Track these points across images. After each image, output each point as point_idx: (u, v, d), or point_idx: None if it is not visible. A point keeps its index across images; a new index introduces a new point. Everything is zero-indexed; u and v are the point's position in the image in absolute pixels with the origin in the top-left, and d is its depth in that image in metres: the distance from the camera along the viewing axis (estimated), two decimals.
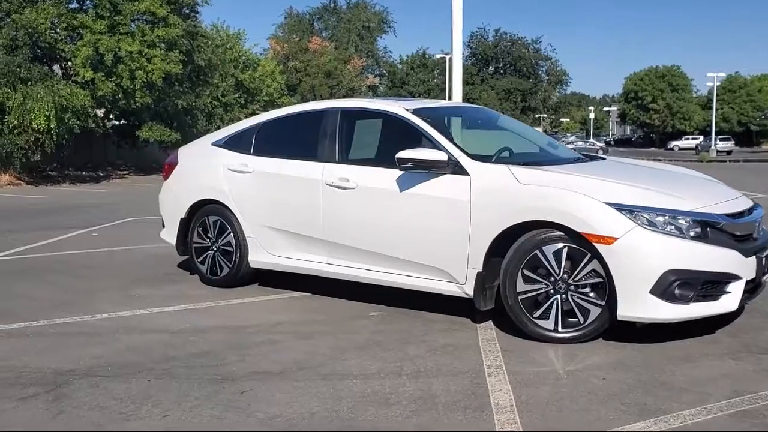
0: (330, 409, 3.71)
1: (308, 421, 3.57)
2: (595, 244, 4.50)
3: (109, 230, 10.87)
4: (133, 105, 25.91)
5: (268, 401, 3.84)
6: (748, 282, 4.66)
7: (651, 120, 79.23)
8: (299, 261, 6.08)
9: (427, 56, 72.10)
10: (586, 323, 4.66)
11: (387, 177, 5.44)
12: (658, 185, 4.90)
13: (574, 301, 4.67)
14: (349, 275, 5.77)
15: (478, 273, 4.96)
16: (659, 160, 27.15)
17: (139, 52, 24.76)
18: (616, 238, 4.44)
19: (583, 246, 4.58)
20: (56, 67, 26.27)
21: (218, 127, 39.93)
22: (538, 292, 4.73)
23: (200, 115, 34.23)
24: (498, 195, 4.88)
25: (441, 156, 5.11)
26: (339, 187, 5.69)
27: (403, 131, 5.67)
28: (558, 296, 4.69)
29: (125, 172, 28.62)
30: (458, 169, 5.11)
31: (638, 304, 4.44)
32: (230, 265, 6.47)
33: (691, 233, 4.53)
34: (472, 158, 5.15)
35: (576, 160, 5.72)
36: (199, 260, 6.70)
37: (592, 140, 75.86)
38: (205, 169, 6.68)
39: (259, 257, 6.33)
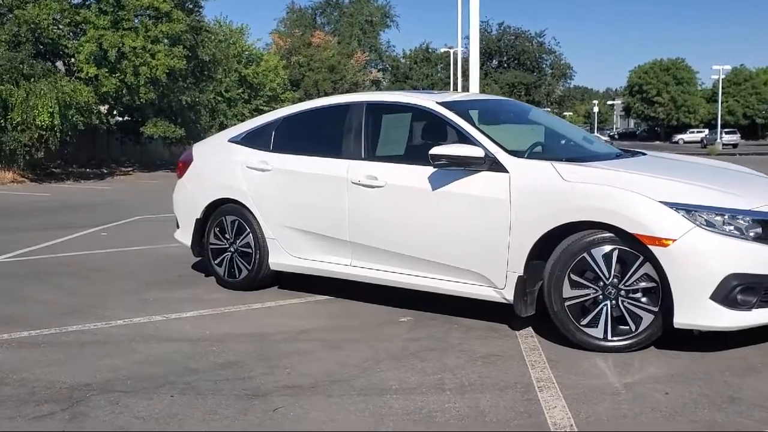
0: (372, 429, 3.40)
1: None
2: (649, 247, 4.18)
3: (118, 229, 10.56)
4: (137, 101, 25.59)
5: (302, 420, 3.53)
6: None
7: (656, 113, 78.77)
8: (323, 263, 5.76)
9: (430, 50, 71.70)
10: (638, 331, 4.35)
11: (418, 175, 5.12)
12: (711, 182, 4.58)
13: (624, 307, 4.35)
14: (377, 278, 5.46)
15: (519, 277, 4.64)
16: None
17: (142, 47, 24.43)
18: (673, 240, 4.12)
19: (635, 248, 4.27)
20: (59, 64, 25.94)
21: (221, 123, 39.86)
22: (585, 297, 4.42)
23: (204, 110, 33.92)
24: (541, 194, 4.56)
25: (477, 152, 4.79)
26: (366, 186, 5.38)
27: (434, 126, 5.35)
28: (608, 302, 4.37)
29: (129, 169, 28.32)
30: (496, 166, 4.80)
31: (697, 311, 4.13)
32: (249, 268, 6.17)
33: (752, 234, 4.21)
34: (511, 154, 4.83)
35: (618, 156, 5.39)
36: (216, 262, 6.39)
37: (596, 134, 75.39)
38: (221, 167, 6.37)
39: (279, 259, 6.02)
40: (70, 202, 15.20)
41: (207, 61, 29.08)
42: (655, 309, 4.29)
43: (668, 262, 4.14)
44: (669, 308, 4.20)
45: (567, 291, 4.43)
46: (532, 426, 3.40)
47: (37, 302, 6.01)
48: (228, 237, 6.28)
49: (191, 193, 6.58)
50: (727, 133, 61.48)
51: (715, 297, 4.09)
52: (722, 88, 65.58)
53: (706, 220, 4.17)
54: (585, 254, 4.37)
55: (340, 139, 5.70)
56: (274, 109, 43.45)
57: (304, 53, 54.04)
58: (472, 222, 4.84)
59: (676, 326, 4.21)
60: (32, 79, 21.82)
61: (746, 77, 76.72)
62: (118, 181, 23.22)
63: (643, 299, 4.33)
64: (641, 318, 4.33)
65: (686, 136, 71.54)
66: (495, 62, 75.80)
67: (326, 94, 51.91)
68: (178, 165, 6.86)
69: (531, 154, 5.06)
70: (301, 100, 50.12)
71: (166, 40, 25.65)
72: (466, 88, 48.53)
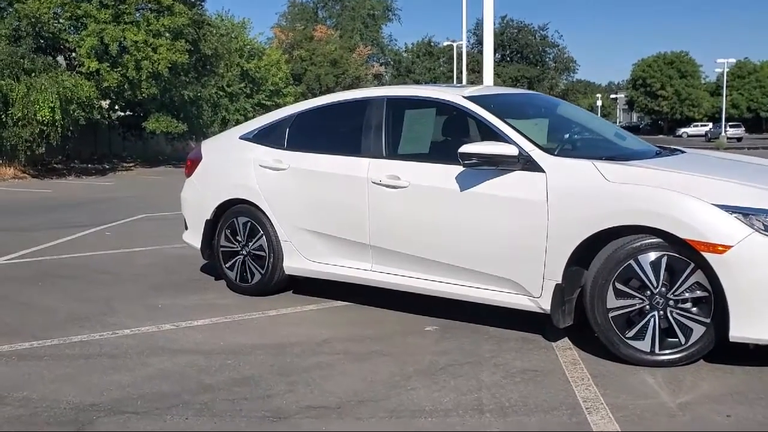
0: None
1: None
2: (702, 253, 3.86)
3: (123, 228, 10.24)
4: (139, 96, 25.22)
5: None
6: None
7: (659, 107, 78.27)
8: (341, 268, 5.44)
9: (432, 44, 71.28)
10: (688, 344, 4.03)
11: (445, 174, 4.80)
12: (764, 182, 4.24)
13: (673, 318, 4.03)
14: (399, 284, 5.14)
15: (557, 285, 4.32)
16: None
17: (144, 41, 24.04)
18: (729, 246, 3.79)
19: (685, 255, 3.94)
20: (60, 58, 25.56)
21: (223, 118, 39.55)
22: (631, 308, 4.09)
23: (206, 105, 33.56)
24: (582, 195, 4.23)
25: (510, 150, 4.46)
26: (388, 186, 5.05)
27: (461, 122, 5.03)
28: (655, 313, 4.05)
29: (131, 164, 27.98)
30: (530, 165, 4.47)
31: (757, 324, 3.80)
32: (262, 272, 5.85)
33: None
34: (548, 152, 4.50)
35: (657, 154, 5.05)
36: (227, 266, 6.07)
37: None
38: (233, 165, 6.04)
39: (295, 263, 5.70)
40: (72, 199, 14.87)
41: (209, 55, 28.71)
42: (707, 320, 3.97)
43: (723, 271, 3.81)
44: (723, 320, 3.88)
45: (611, 301, 4.10)
46: None
47: (40, 309, 5.70)
48: (240, 239, 5.96)
49: (201, 193, 6.25)
50: (731, 126, 61.08)
51: None
52: (726, 81, 65.11)
53: (764, 225, 3.84)
54: (632, 261, 4.04)
55: (360, 137, 5.38)
56: (276, 103, 43.31)
57: (306, 47, 53.62)
58: (505, 225, 4.51)
59: (732, 339, 3.88)
60: (33, 74, 21.46)
61: (750, 70, 76.22)
62: (120, 177, 22.87)
63: (694, 310, 4.00)
64: (691, 330, 4.01)
65: (690, 130, 71.06)
66: (498, 56, 75.24)
67: (328, 89, 51.51)
68: (187, 163, 6.53)
69: (561, 151, 4.72)
70: (303, 94, 49.84)
71: (167, 34, 25.28)
72: (471, 82, 48.17)
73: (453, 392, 3.80)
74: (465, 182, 4.67)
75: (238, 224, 5.95)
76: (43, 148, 22.58)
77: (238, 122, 41.20)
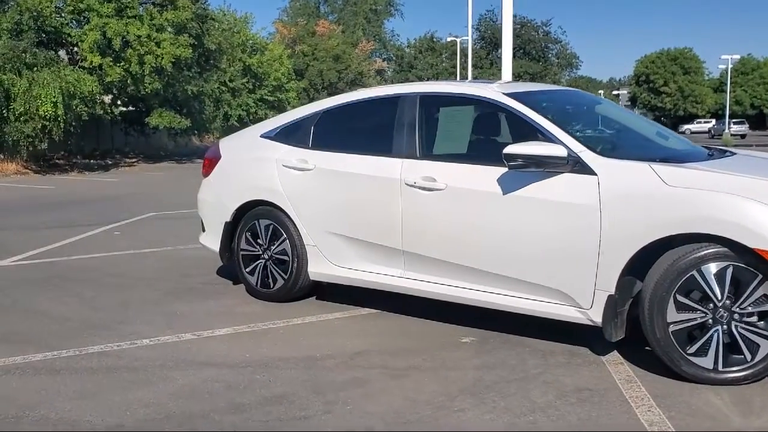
0: None
1: None
2: None
3: (131, 228, 9.94)
4: (142, 91, 24.92)
5: None
6: None
7: (662, 103, 77.88)
8: (370, 274, 5.16)
9: (434, 40, 70.89)
10: (754, 361, 3.75)
11: (485, 176, 4.51)
12: None
13: (739, 333, 3.75)
14: (433, 293, 4.86)
15: (610, 296, 4.04)
16: None
17: (147, 36, 23.73)
18: None
19: (753, 265, 3.66)
20: (62, 53, 25.23)
21: (225, 113, 39.23)
22: (693, 322, 3.81)
23: (208, 101, 33.25)
24: (640, 200, 3.94)
25: (559, 151, 4.17)
26: (423, 188, 4.77)
27: (502, 120, 4.74)
28: (719, 327, 3.77)
29: (134, 160, 27.66)
30: (580, 167, 4.18)
31: None
32: (285, 277, 5.57)
33: None
34: (598, 153, 4.22)
35: (710, 155, 4.76)
36: (247, 270, 5.79)
37: None
38: (254, 165, 5.75)
39: (320, 268, 5.42)
40: (76, 196, 14.57)
41: (213, 50, 28.40)
42: None
43: None
44: None
45: (672, 314, 3.82)
46: None
47: (53, 316, 5.42)
48: (261, 243, 5.68)
49: (219, 194, 5.96)
50: (735, 123, 60.70)
51: None
52: (730, 78, 64.77)
53: None
54: (695, 272, 3.76)
55: (391, 136, 5.09)
56: (278, 99, 42.96)
57: (309, 43, 53.24)
58: (553, 232, 4.23)
59: None
60: (35, 69, 21.13)
61: (754, 67, 75.82)
62: (123, 173, 22.56)
63: (761, 324, 3.73)
64: (758, 346, 3.73)
65: (693, 126, 70.67)
66: (500, 52, 74.91)
67: (331, 84, 51.18)
68: (204, 162, 6.24)
69: (611, 152, 4.42)
70: (305, 89, 49.50)
71: (170, 29, 24.97)
72: (474, 77, 47.80)
73: (505, 414, 3.52)
74: (508, 185, 4.38)
75: (259, 227, 5.66)
76: (46, 144, 22.26)
77: (240, 118, 40.99)
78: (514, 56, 73.91)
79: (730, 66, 63.55)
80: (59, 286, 6.36)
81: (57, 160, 24.78)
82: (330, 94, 51.17)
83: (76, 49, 24.68)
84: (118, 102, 27.66)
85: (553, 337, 4.63)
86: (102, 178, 20.31)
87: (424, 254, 4.83)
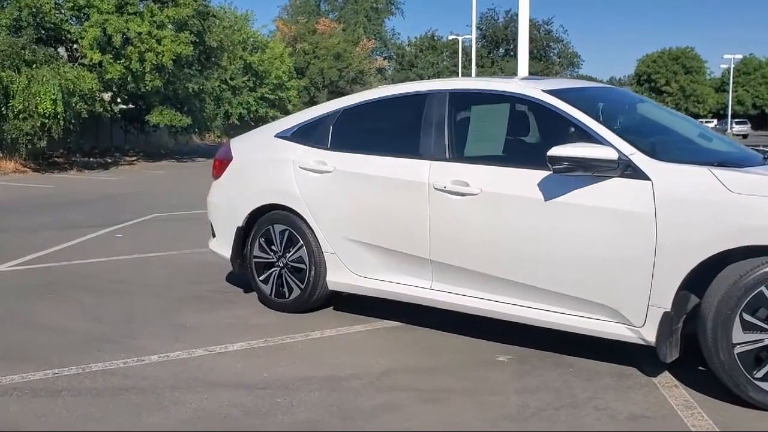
0: None
1: None
2: None
3: (134, 230, 9.57)
4: (143, 88, 24.53)
5: None
6: None
7: (664, 103, 77.50)
8: (395, 285, 4.80)
9: (435, 38, 70.52)
10: None
11: (525, 180, 4.15)
12: None
13: None
14: (465, 306, 4.50)
15: (665, 313, 3.68)
16: None
17: (148, 33, 23.35)
18: None
19: None
20: (61, 50, 24.82)
21: (226, 112, 38.86)
22: (761, 343, 3.46)
23: (208, 98, 32.87)
24: (701, 208, 3.59)
25: (609, 154, 3.81)
26: (454, 193, 4.41)
27: (542, 120, 4.41)
28: None
29: (133, 158, 27.27)
30: (632, 172, 3.83)
31: None
32: (302, 286, 5.21)
33: None
34: (651, 156, 3.86)
35: (766, 159, 4.40)
36: (260, 279, 5.43)
37: None
38: (268, 166, 5.39)
39: (339, 277, 5.07)
40: (77, 196, 14.20)
41: (215, 47, 28.00)
42: None
43: None
44: None
45: (738, 335, 3.46)
46: None
47: (52, 327, 5.06)
48: (276, 249, 5.32)
49: (231, 197, 5.60)
50: (737, 123, 60.44)
51: None
52: (732, 77, 64.47)
53: None
54: (763, 288, 3.40)
55: (417, 136, 4.73)
56: (279, 97, 42.61)
57: (310, 41, 52.84)
58: (601, 242, 3.87)
59: None
60: (34, 65, 20.73)
61: (756, 67, 75.53)
62: (123, 172, 22.18)
63: None
64: None
65: None
66: (502, 50, 74.56)
67: (332, 83, 50.78)
68: (214, 163, 5.87)
69: (664, 155, 4.01)
70: (306, 88, 49.13)
71: (170, 26, 24.57)
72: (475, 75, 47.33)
73: None
74: (551, 190, 4.02)
75: (274, 233, 5.31)
76: (45, 142, 21.86)
77: (240, 116, 40.65)
78: (514, 55, 73.81)
79: (732, 66, 63.23)
80: (59, 294, 6.00)
81: (56, 159, 24.39)
82: (331, 93, 50.89)
83: (75, 46, 24.30)
84: (118, 99, 27.28)
85: (594, 355, 4.27)
86: (102, 177, 19.94)
87: (455, 264, 4.47)
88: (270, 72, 42.58)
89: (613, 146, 3.88)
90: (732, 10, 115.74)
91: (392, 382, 3.99)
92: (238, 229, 5.48)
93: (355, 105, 5.20)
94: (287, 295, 5.30)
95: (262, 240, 5.38)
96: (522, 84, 4.52)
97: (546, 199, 4.04)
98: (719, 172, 3.66)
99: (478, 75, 47.76)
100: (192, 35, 24.80)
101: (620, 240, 3.80)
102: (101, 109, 24.33)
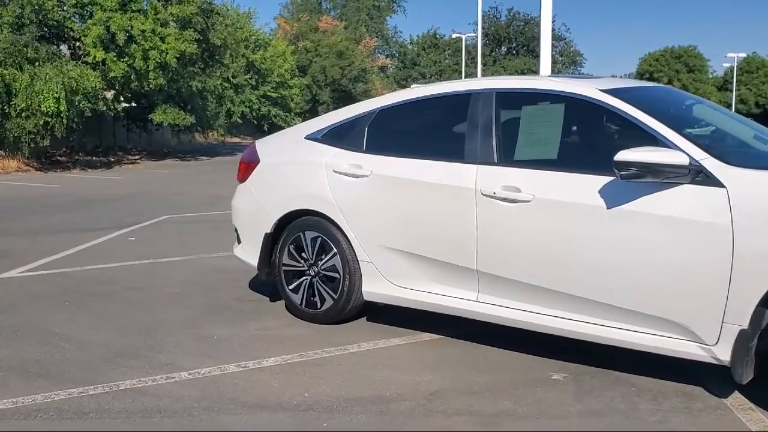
0: None
1: None
2: None
3: (146, 233, 9.29)
4: (146, 87, 24.24)
5: None
6: None
7: None
8: (438, 296, 4.53)
9: (437, 36, 70.25)
10: None
11: (583, 186, 3.89)
12: None
13: None
14: (516, 320, 4.23)
15: (742, 331, 3.42)
16: None
17: (152, 30, 23.06)
18: None
19: None
20: (64, 47, 24.52)
21: (228, 110, 38.56)
22: None
23: (211, 97, 32.59)
24: None
25: (680, 159, 3.54)
26: (504, 199, 4.14)
27: (601, 122, 4.12)
28: None
29: (136, 157, 27.00)
30: (704, 178, 3.56)
31: None
32: (335, 296, 4.94)
33: None
34: (726, 162, 3.58)
35: None
36: (290, 288, 5.16)
37: None
38: (299, 170, 5.12)
39: (376, 288, 4.79)
40: (82, 196, 13.91)
41: (218, 45, 27.69)
42: None
43: None
44: None
45: None
46: None
47: (72, 339, 4.78)
48: (306, 257, 5.05)
49: (258, 202, 5.32)
50: None
51: None
52: (735, 76, 64.21)
53: None
54: None
55: (462, 138, 4.46)
56: (282, 95, 42.34)
57: (312, 39, 52.53)
58: (670, 253, 3.60)
59: None
60: (36, 63, 20.44)
61: (759, 65, 75.24)
62: (127, 171, 21.88)
63: None
64: None
65: None
66: (504, 49, 74.24)
67: (334, 80, 50.49)
68: (240, 166, 5.59)
69: (738, 160, 3.73)
70: (308, 86, 48.84)
71: (174, 24, 24.27)
72: (476, 75, 47.05)
73: None
74: (614, 197, 3.75)
75: (305, 240, 5.03)
76: (47, 141, 21.56)
77: (243, 114, 40.38)
78: (516, 54, 73.52)
79: (735, 64, 62.96)
80: (76, 303, 5.72)
81: (59, 157, 24.12)
82: (333, 91, 50.64)
83: (78, 43, 24.00)
84: (121, 98, 26.98)
85: (655, 373, 4.01)
86: (106, 176, 19.65)
87: (505, 276, 4.20)
88: (272, 70, 42.33)
89: (684, 151, 3.61)
90: (735, 8, 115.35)
91: (443, 404, 3.71)
92: (266, 236, 5.20)
93: (392, 105, 4.92)
94: (319, 306, 5.03)
95: (291, 247, 5.11)
96: (578, 83, 4.24)
97: (608, 207, 3.77)
98: None
99: (482, 74, 47.36)
100: (196, 33, 24.51)
101: (692, 252, 3.54)
102: (104, 108, 24.06)
